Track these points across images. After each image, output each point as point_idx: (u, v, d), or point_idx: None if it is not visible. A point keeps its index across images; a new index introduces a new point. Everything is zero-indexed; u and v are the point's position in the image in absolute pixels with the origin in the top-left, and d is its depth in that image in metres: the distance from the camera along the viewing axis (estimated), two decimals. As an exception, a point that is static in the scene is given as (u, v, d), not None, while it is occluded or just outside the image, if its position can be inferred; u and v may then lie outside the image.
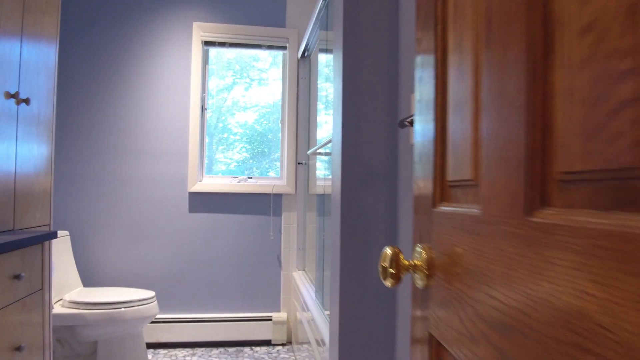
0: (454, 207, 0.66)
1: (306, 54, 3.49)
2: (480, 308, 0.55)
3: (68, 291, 2.91)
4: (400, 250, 0.75)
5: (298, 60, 3.55)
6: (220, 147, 3.67)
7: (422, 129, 0.80)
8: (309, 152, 3.32)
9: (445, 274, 0.67)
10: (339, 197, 1.51)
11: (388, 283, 0.75)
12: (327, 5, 2.70)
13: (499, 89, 0.51)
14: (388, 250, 0.74)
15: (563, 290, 0.39)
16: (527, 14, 0.47)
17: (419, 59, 0.85)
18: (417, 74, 0.85)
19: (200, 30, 3.39)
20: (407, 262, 0.75)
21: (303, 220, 3.51)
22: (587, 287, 0.36)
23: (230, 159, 3.71)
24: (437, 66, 0.76)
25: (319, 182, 3.14)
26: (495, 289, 0.51)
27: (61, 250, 2.94)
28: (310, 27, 3.04)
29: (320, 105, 3.25)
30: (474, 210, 0.58)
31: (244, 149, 3.74)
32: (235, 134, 3.74)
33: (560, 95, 0.42)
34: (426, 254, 0.75)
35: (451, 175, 0.68)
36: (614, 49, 0.35)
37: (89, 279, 3.27)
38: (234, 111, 3.71)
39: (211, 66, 3.54)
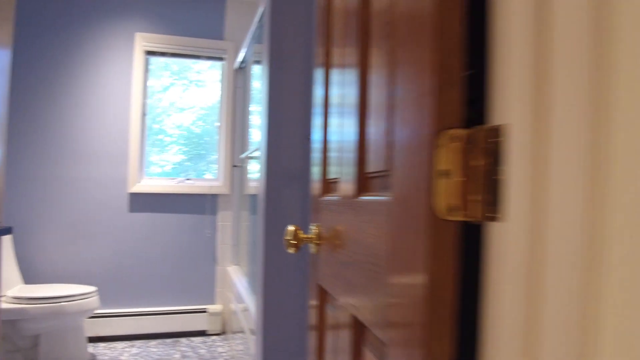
0: (331, 196, 1.00)
1: (243, 65, 3.79)
2: (339, 256, 0.89)
3: (9, 288, 3.03)
4: (299, 228, 1.08)
5: (235, 71, 3.84)
6: (155, 149, 3.87)
7: (315, 135, 1.14)
8: (241, 156, 3.62)
9: (327, 241, 1.01)
10: (264, 195, 1.83)
11: (291, 250, 1.08)
12: (263, 25, 3.02)
13: (349, 115, 0.86)
14: (290, 228, 1.08)
15: (367, 236, 0.74)
16: (360, 68, 0.82)
17: (316, 73, 1.18)
18: (315, 87, 1.19)
19: (142, 40, 3.60)
20: (304, 236, 1.08)
21: (238, 219, 3.79)
22: (373, 231, 0.71)
23: (166, 160, 3.91)
24: (325, 81, 1.10)
25: (252, 184, 3.45)
26: (346, 243, 0.86)
27: (2, 248, 3.06)
28: (247, 41, 3.35)
29: (260, 108, 3.55)
30: (337, 197, 0.92)
31: (180, 151, 3.95)
32: (171, 136, 3.94)
33: (370, 127, 0.77)
34: (317, 230, 1.09)
35: (330, 175, 1.02)
36: (383, 104, 0.70)
37: (30, 277, 3.39)
38: (170, 112, 3.90)
39: (149, 66, 3.75)
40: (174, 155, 3.92)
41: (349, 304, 0.82)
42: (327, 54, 1.09)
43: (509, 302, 0.46)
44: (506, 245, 0.47)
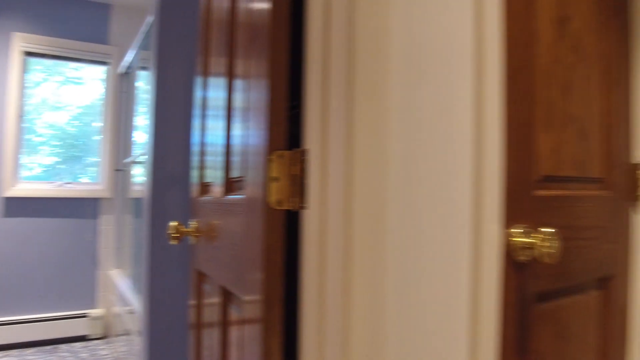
0: (207, 197, 1.25)
1: (129, 70, 3.84)
2: (213, 244, 1.14)
3: None
4: (181, 223, 1.31)
5: (120, 75, 3.88)
6: (24, 150, 3.59)
7: (194, 140, 1.38)
8: (126, 160, 3.68)
9: (204, 233, 1.25)
10: (150, 198, 2.01)
11: (173, 242, 1.30)
12: (150, 34, 3.13)
13: (220, 127, 1.12)
14: (173, 223, 1.30)
15: (231, 225, 0.99)
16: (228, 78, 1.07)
17: (196, 80, 1.41)
18: (195, 96, 1.42)
19: (21, 41, 3.51)
20: (184, 230, 1.31)
21: (121, 223, 3.83)
22: (234, 221, 0.97)
23: (37, 162, 3.67)
24: (203, 91, 1.33)
25: (136, 187, 3.53)
26: (218, 233, 1.11)
27: None
28: (134, 47, 3.43)
29: (144, 114, 3.62)
30: (211, 198, 1.17)
31: (52, 153, 3.70)
32: (42, 136, 3.67)
33: (234, 140, 1.02)
34: (196, 224, 1.32)
35: (206, 179, 1.27)
36: (240, 126, 0.96)
37: None
38: (42, 110, 3.65)
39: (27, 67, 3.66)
40: (45, 157, 3.75)
41: (220, 278, 1.07)
42: (205, 65, 1.32)
43: (313, 255, 0.75)
44: (309, 223, 0.76)
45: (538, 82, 0.96)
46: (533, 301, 0.96)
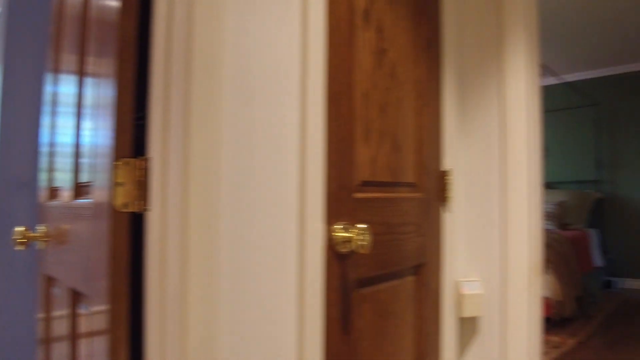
0: (56, 201, 1.25)
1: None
2: (62, 247, 1.16)
3: None
4: (28, 228, 1.29)
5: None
6: None
7: (43, 140, 1.37)
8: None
9: (53, 238, 1.26)
10: (-6, 202, 1.90)
11: (21, 247, 1.28)
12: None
13: (70, 130, 1.14)
14: (19, 229, 1.28)
15: (80, 227, 1.03)
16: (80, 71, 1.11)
17: (47, 76, 1.40)
18: (45, 95, 1.40)
19: None
20: (32, 234, 1.30)
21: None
22: (83, 223, 1.01)
23: None
24: (53, 84, 1.33)
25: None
26: (68, 236, 1.13)
27: None
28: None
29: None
30: (61, 202, 1.19)
31: None
32: None
33: (84, 142, 1.07)
34: (45, 229, 1.32)
35: (56, 183, 1.27)
36: (90, 130, 1.01)
37: None
38: None
39: None
40: None
41: (69, 279, 1.10)
42: (57, 61, 1.33)
43: (155, 252, 0.84)
44: (152, 224, 0.85)
45: (358, 103, 1.15)
46: (354, 286, 1.15)
